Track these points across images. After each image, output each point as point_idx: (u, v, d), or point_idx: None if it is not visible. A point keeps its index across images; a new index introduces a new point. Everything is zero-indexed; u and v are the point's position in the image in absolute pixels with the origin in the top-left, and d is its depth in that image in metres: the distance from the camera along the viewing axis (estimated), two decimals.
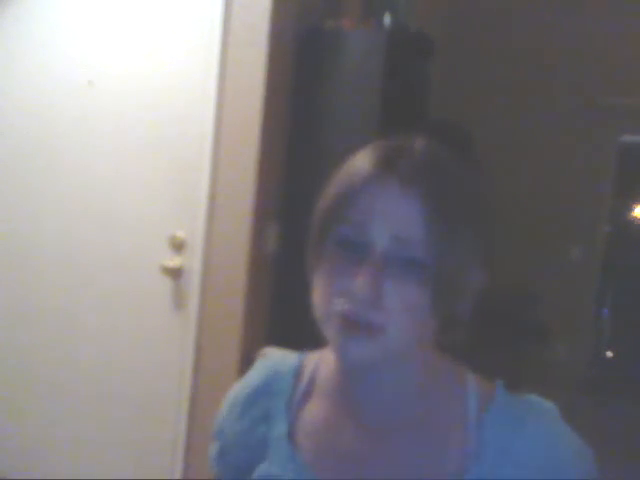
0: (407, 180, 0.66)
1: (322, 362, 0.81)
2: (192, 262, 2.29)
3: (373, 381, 0.73)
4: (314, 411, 0.78)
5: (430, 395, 0.74)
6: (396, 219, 0.66)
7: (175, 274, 2.29)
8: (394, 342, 0.67)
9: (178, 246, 2.30)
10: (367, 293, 0.64)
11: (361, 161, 0.71)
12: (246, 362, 2.21)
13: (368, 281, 0.64)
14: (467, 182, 0.71)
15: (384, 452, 0.72)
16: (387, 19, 2.40)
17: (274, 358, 0.87)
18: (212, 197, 2.26)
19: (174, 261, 2.30)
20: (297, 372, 0.82)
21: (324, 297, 0.69)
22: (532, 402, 0.73)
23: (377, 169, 0.68)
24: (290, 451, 0.75)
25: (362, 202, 0.67)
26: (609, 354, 5.81)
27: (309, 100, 2.34)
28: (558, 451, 0.70)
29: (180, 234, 2.30)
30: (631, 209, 6.19)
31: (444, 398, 0.74)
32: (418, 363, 0.74)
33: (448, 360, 0.77)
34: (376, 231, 0.66)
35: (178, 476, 2.33)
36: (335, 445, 0.75)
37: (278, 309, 2.38)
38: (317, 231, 0.72)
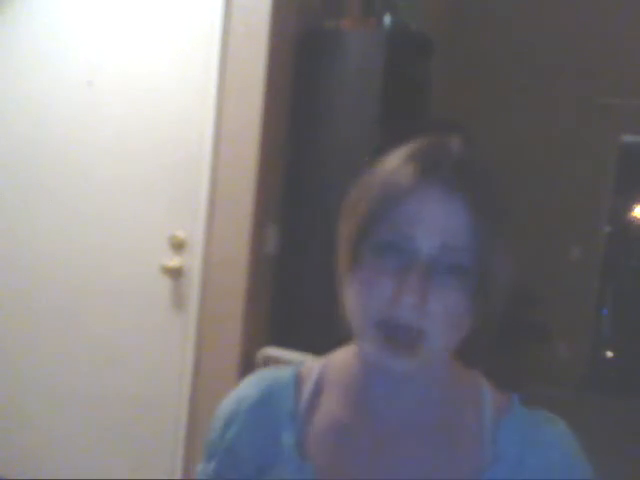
0: (450, 185, 0.66)
1: (330, 369, 0.80)
2: (192, 262, 2.29)
3: (396, 389, 0.73)
4: (324, 419, 0.77)
5: (448, 402, 0.74)
6: (443, 226, 0.66)
7: (175, 274, 2.29)
8: (434, 350, 0.67)
9: (178, 246, 2.30)
10: (414, 300, 0.64)
11: (399, 166, 0.70)
12: (246, 362, 2.21)
13: (416, 288, 0.64)
14: (498, 183, 0.72)
15: (399, 459, 0.72)
16: (387, 19, 2.39)
17: (265, 372, 0.85)
18: (212, 197, 2.26)
19: (174, 261, 2.30)
20: (297, 381, 0.80)
21: (366, 305, 0.67)
22: (545, 416, 0.74)
23: (419, 174, 0.68)
24: (300, 461, 0.74)
25: (407, 208, 0.67)
26: (609, 354, 5.81)
27: (309, 100, 2.34)
28: (571, 464, 0.72)
29: (180, 234, 2.30)
30: (631, 209, 6.19)
31: (461, 405, 0.74)
32: (442, 370, 0.74)
33: (465, 366, 0.77)
34: (423, 238, 0.66)
35: (178, 476, 2.33)
36: (349, 453, 0.74)
37: (278, 309, 2.38)
38: (354, 237, 0.70)
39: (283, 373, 0.82)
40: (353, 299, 0.70)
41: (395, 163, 0.71)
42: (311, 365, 0.82)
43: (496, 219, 0.69)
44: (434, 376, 0.74)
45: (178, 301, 2.33)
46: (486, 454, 0.71)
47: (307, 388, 0.79)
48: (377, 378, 0.74)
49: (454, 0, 4.61)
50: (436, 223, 0.66)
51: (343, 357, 0.80)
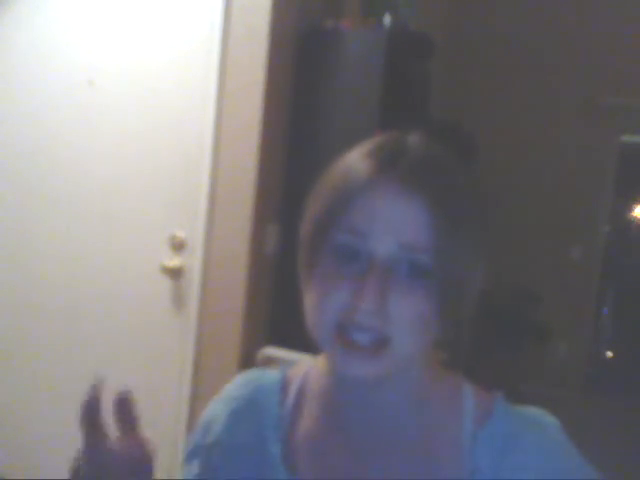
0: (408, 181, 0.62)
1: (311, 375, 0.77)
2: (192, 262, 2.29)
3: (368, 398, 0.70)
4: (305, 429, 0.74)
5: (425, 411, 0.71)
6: (400, 224, 0.62)
7: (175, 274, 2.29)
8: (400, 355, 0.63)
9: (178, 246, 2.30)
10: (373, 307, 0.60)
11: (356, 162, 0.66)
12: (246, 362, 2.21)
13: (374, 293, 0.60)
14: (465, 179, 0.67)
15: (376, 473, 0.70)
16: (387, 19, 2.39)
17: (253, 374, 0.82)
18: (212, 197, 2.26)
19: (174, 261, 2.30)
20: (282, 387, 0.77)
21: (323, 312, 0.63)
22: (531, 417, 0.70)
23: (375, 171, 0.64)
24: (286, 473, 0.72)
25: (361, 207, 0.63)
26: (609, 354, 5.82)
27: (309, 100, 2.34)
28: (554, 467, 0.67)
29: (180, 234, 2.30)
30: (631, 209, 6.20)
31: (440, 414, 0.70)
32: (415, 377, 0.70)
33: (444, 371, 0.74)
34: (379, 238, 0.62)
35: (178, 476, 2.33)
36: (327, 465, 0.71)
37: (278, 309, 2.38)
38: (310, 239, 0.67)
39: (270, 377, 0.79)
40: (311, 305, 0.66)
41: (351, 160, 0.67)
42: (298, 369, 0.80)
43: (460, 217, 0.64)
44: (407, 383, 0.69)
45: (178, 301, 2.33)
46: (466, 463, 0.67)
47: (291, 394, 0.76)
48: (347, 387, 0.70)
49: (454, 0, 4.61)
50: (392, 222, 0.62)
51: (321, 364, 0.76)
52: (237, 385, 0.81)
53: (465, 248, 0.64)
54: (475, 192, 0.68)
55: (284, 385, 0.78)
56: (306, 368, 0.79)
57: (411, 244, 0.62)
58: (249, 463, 0.75)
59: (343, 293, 0.62)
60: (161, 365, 2.36)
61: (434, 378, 0.72)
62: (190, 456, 0.81)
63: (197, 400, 2.31)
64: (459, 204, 0.65)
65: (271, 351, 2.17)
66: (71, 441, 2.22)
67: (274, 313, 2.38)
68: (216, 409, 0.80)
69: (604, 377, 5.05)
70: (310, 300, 0.66)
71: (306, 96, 2.34)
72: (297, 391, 0.76)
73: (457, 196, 0.65)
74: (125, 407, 0.61)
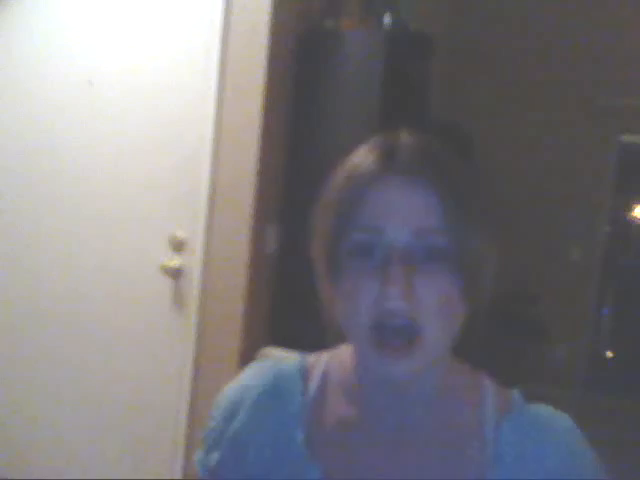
0: (409, 172, 0.66)
1: (334, 365, 0.79)
2: (192, 262, 2.29)
3: (395, 389, 0.72)
4: (330, 418, 0.75)
5: (449, 402, 0.73)
6: (411, 213, 0.65)
7: (175, 274, 2.29)
8: (431, 345, 0.66)
9: (178, 246, 2.30)
10: (400, 290, 0.63)
11: (358, 165, 0.70)
12: (246, 362, 2.21)
13: (401, 281, 0.63)
14: (462, 163, 0.71)
15: (401, 461, 0.71)
16: (387, 19, 2.40)
17: (272, 359, 0.84)
18: (212, 197, 2.26)
19: (174, 261, 2.30)
20: (303, 375, 0.79)
21: (357, 311, 0.66)
22: (547, 413, 0.73)
23: (377, 168, 0.68)
24: (309, 461, 0.73)
25: (371, 205, 0.66)
26: (609, 354, 5.81)
27: (309, 100, 2.34)
28: (575, 459, 0.70)
29: (180, 234, 2.30)
30: (631, 209, 6.19)
31: (462, 405, 0.73)
32: (440, 369, 0.73)
33: (466, 365, 0.76)
34: (395, 231, 0.65)
35: (178, 476, 2.33)
36: (353, 455, 0.73)
37: (278, 309, 2.38)
38: (326, 245, 0.70)
39: (289, 365, 0.81)
40: (341, 306, 0.69)
41: (353, 164, 0.71)
42: (316, 358, 0.81)
43: (464, 199, 0.67)
44: (433, 375, 0.72)
45: (178, 301, 2.33)
46: (488, 455, 0.70)
47: (313, 383, 0.78)
48: (375, 380, 0.73)
49: (454, 0, 4.61)
50: (403, 212, 0.66)
51: (345, 355, 0.79)
52: (255, 373, 0.83)
53: (474, 225, 0.67)
54: (473, 174, 0.72)
55: (304, 373, 0.79)
56: (325, 358, 0.81)
57: (425, 228, 0.65)
58: (273, 450, 0.75)
59: (372, 289, 0.65)
60: (161, 365, 2.36)
61: (457, 371, 0.75)
62: (211, 442, 0.81)
63: (197, 400, 2.31)
64: (460, 185, 0.68)
65: (271, 351, 2.17)
66: (71, 441, 2.23)
67: (274, 313, 2.38)
68: (236, 396, 0.81)
69: (604, 377, 5.04)
70: (339, 302, 0.69)
71: (306, 96, 2.34)
72: (320, 380, 0.78)
73: (457, 178, 0.69)
74: None
